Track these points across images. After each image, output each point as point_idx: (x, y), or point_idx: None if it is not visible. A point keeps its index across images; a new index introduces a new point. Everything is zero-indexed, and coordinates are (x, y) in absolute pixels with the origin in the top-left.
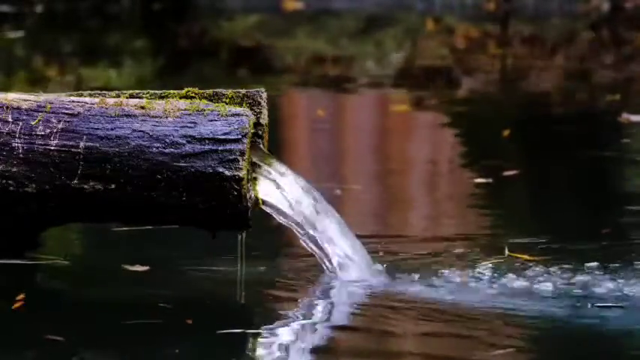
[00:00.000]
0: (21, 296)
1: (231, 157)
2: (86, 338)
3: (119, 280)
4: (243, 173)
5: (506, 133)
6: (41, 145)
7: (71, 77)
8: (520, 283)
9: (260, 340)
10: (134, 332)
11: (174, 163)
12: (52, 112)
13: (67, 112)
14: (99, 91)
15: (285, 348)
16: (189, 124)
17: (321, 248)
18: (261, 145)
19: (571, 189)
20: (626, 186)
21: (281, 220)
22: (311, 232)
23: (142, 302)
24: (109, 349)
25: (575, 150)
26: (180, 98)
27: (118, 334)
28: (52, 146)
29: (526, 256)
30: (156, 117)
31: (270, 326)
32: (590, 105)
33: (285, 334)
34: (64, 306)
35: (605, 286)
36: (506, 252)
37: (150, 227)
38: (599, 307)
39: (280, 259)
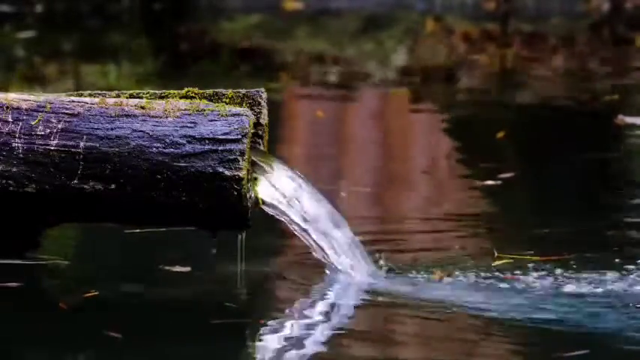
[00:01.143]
0: (92, 293)
1: (231, 157)
2: (150, 337)
3: (165, 280)
4: (243, 173)
5: (502, 134)
6: (41, 145)
7: (71, 77)
8: (532, 287)
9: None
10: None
11: (174, 163)
12: (52, 112)
13: (67, 112)
14: (99, 91)
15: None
16: (189, 124)
17: (321, 247)
18: (261, 145)
19: (569, 190)
20: (624, 186)
21: (281, 219)
22: (311, 230)
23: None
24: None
25: (573, 151)
26: (181, 98)
27: (201, 333)
28: (52, 146)
29: (529, 257)
30: (156, 117)
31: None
32: (588, 105)
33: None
34: (118, 306)
35: (623, 286)
36: (495, 254)
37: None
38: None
39: (281, 259)
